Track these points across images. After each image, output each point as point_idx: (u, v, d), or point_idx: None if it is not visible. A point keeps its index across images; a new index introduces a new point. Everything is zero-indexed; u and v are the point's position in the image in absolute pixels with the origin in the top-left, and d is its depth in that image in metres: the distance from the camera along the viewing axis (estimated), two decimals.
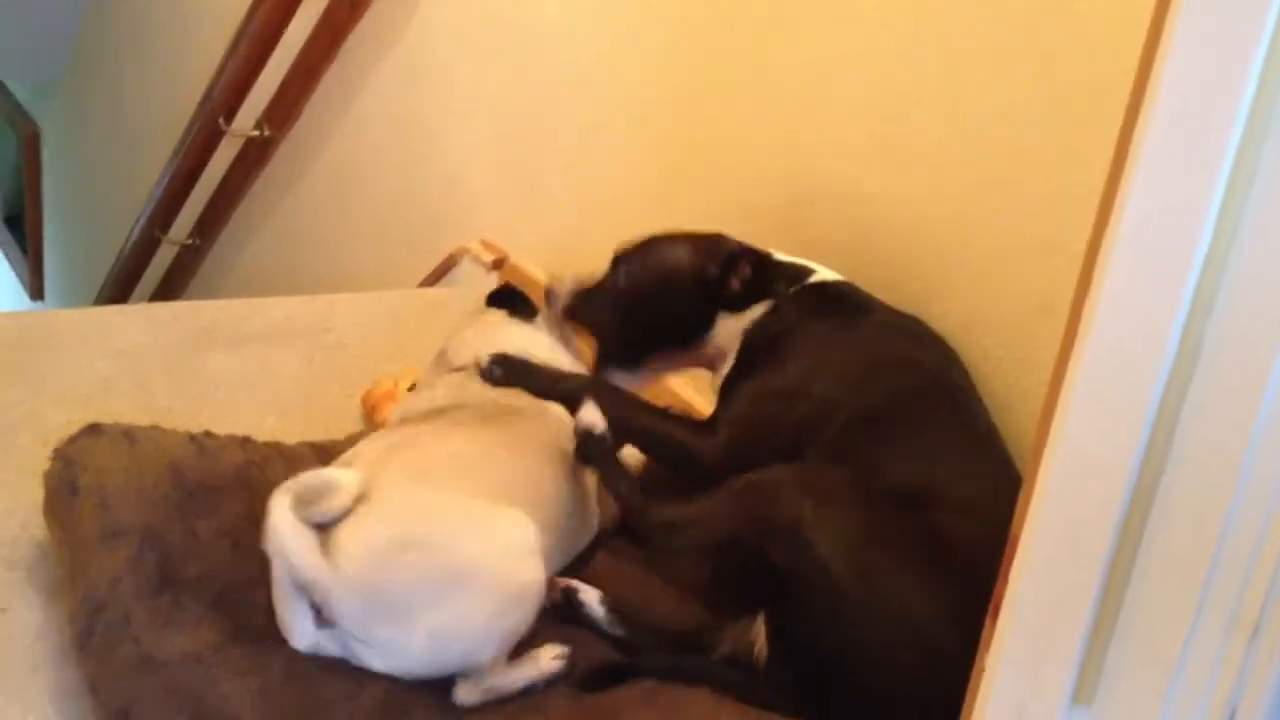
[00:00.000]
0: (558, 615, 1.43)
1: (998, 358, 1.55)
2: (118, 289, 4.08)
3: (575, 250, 2.33)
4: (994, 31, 1.51)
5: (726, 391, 1.60)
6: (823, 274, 1.63)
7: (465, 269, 2.54)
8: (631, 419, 1.56)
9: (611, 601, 1.47)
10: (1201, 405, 0.75)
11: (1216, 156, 0.69)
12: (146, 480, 1.45)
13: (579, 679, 1.36)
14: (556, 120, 2.32)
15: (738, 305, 1.62)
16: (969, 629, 1.12)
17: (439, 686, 1.30)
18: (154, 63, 4.14)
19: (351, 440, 1.74)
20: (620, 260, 1.70)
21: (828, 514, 1.33)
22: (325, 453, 1.66)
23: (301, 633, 1.28)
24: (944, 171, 1.61)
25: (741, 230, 1.91)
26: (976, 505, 1.36)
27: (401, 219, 2.85)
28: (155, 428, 1.61)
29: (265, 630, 1.32)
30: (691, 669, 1.37)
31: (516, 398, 1.56)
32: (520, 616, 1.30)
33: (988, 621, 0.85)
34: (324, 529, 1.27)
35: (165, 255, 3.91)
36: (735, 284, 1.61)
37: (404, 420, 1.53)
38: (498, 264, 2.45)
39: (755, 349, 1.59)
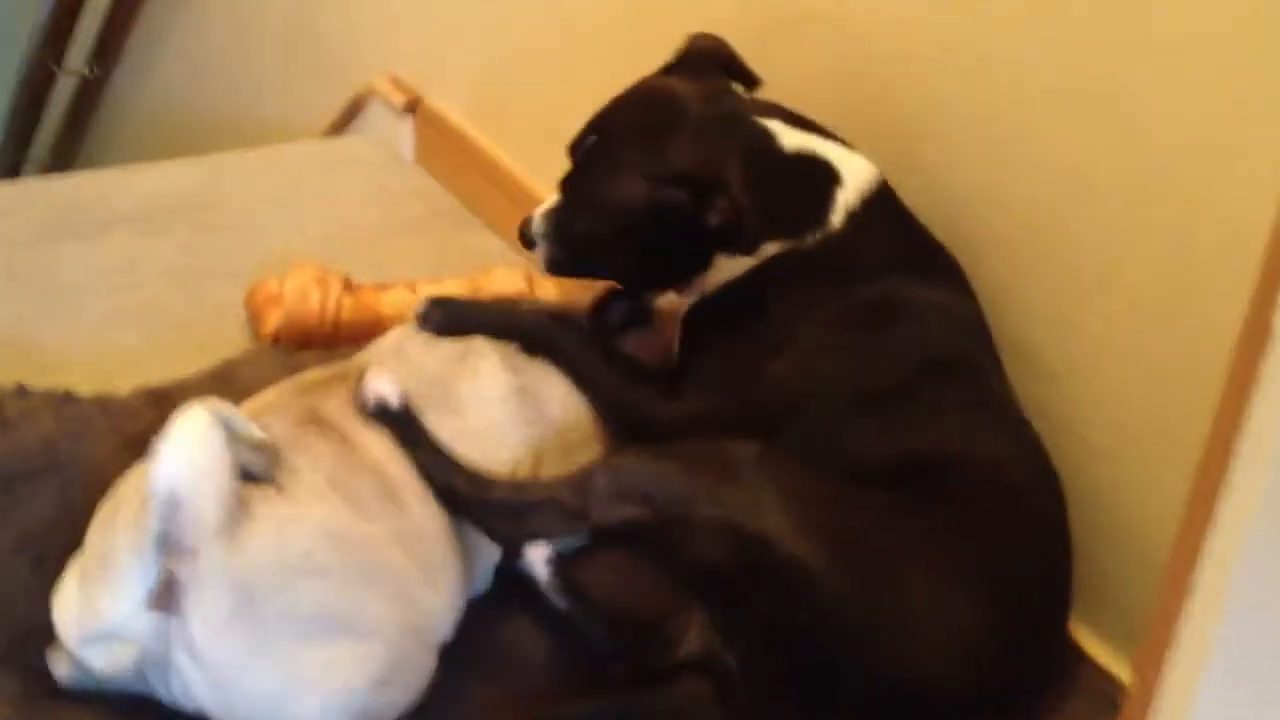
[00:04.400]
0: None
1: (1014, 240, 1.23)
2: (19, 126, 3.67)
3: (504, 86, 1.96)
4: None
5: (695, 341, 1.25)
6: (850, 172, 1.23)
7: (376, 112, 2.14)
8: (583, 369, 1.23)
9: (562, 565, 1.17)
10: None
11: None
12: None
13: None
14: None
15: (739, 246, 1.22)
16: (1000, 608, 1.03)
17: None
18: None
19: (217, 378, 1.40)
20: (566, 183, 1.29)
21: (761, 492, 1.05)
22: (166, 400, 1.31)
23: (119, 602, 0.95)
24: None
25: None
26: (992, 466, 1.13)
27: (301, 50, 2.44)
28: None
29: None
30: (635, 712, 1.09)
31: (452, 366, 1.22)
32: (393, 701, 1.01)
33: None
34: None
35: (65, 88, 3.49)
36: (714, 219, 1.18)
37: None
38: (411, 105, 2.06)
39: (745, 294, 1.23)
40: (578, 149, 1.27)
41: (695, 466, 1.07)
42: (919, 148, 1.29)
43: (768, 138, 1.21)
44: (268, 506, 0.99)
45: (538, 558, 1.16)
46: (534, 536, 1.10)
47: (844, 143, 1.24)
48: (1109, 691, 1.15)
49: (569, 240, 1.27)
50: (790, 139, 1.22)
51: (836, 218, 1.20)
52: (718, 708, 1.06)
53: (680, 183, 1.18)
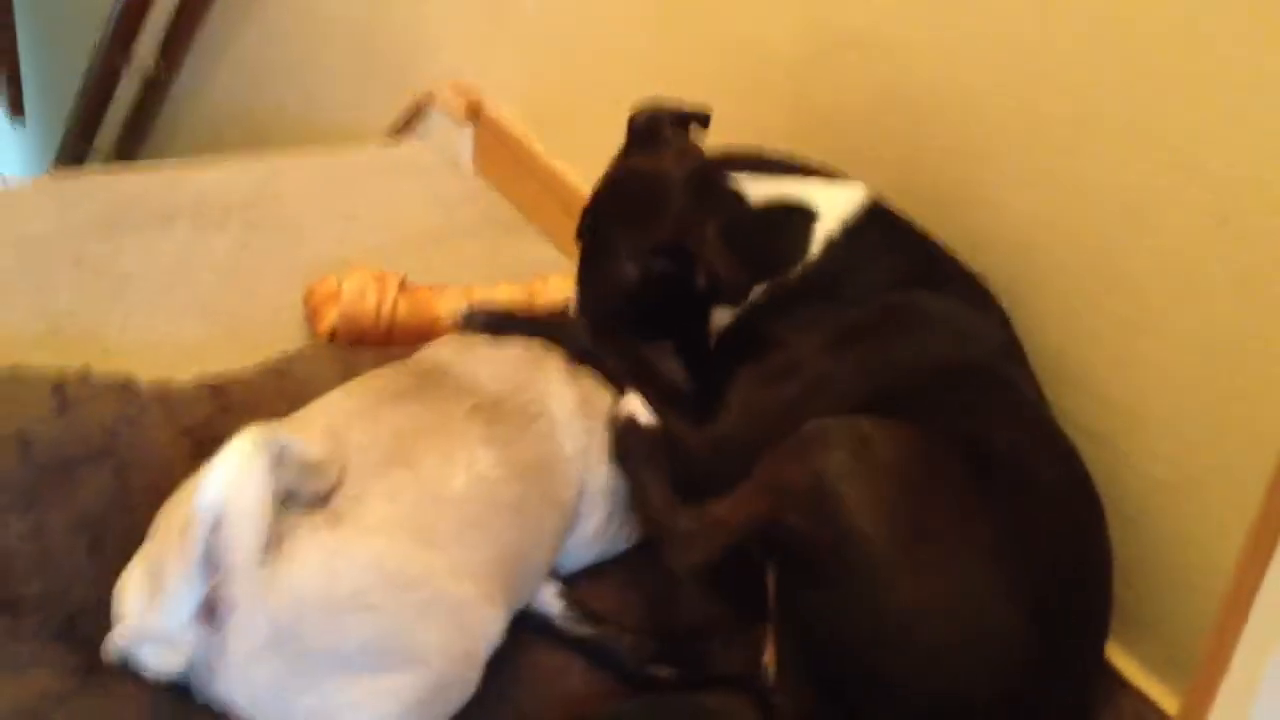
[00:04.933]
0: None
1: (1073, 269, 1.20)
2: (85, 119, 3.71)
3: (563, 96, 1.95)
4: None
5: (720, 371, 1.26)
6: (828, 204, 1.25)
7: (436, 118, 2.15)
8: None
9: (571, 594, 1.18)
10: None
11: None
12: None
13: None
14: None
15: (727, 299, 1.27)
16: (1037, 612, 0.99)
17: None
18: None
19: (272, 372, 1.42)
20: (579, 272, 1.37)
21: (860, 465, 1.03)
22: (223, 392, 1.33)
23: (170, 615, 0.94)
24: (1007, 21, 1.22)
25: (751, 86, 1.53)
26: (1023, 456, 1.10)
27: (363, 55, 2.44)
28: (13, 373, 1.29)
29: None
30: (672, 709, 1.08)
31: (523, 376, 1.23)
32: (437, 715, 1.01)
33: None
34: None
35: (131, 84, 3.53)
36: (701, 281, 1.23)
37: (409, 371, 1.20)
38: (471, 112, 2.06)
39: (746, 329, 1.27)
40: (580, 236, 1.35)
41: (836, 436, 1.07)
42: (975, 174, 1.28)
43: (737, 197, 1.25)
44: (316, 538, 0.97)
45: (548, 592, 1.17)
46: (702, 560, 1.11)
47: (827, 173, 1.26)
48: (1150, 718, 1.14)
49: (594, 319, 1.34)
50: (759, 190, 1.24)
51: (815, 249, 1.23)
52: (757, 714, 1.07)
53: (664, 254, 1.24)
